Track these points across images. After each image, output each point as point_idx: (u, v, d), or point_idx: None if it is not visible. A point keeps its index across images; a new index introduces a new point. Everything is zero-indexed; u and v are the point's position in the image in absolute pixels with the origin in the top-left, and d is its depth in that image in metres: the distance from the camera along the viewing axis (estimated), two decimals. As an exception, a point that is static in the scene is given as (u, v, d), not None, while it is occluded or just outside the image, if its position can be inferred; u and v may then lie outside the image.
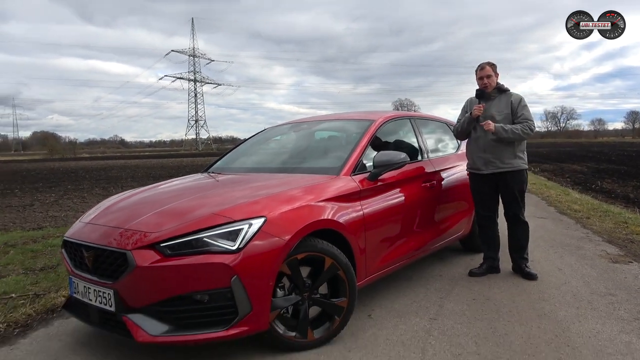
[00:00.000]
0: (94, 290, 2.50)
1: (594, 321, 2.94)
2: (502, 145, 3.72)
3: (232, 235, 2.37)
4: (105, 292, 2.43)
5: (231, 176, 3.54)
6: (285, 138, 4.27)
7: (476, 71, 3.86)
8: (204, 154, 60.12)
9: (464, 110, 4.02)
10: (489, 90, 3.79)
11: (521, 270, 3.85)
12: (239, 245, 2.35)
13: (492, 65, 3.81)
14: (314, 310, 2.72)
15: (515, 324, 2.92)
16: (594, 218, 6.36)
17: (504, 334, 2.80)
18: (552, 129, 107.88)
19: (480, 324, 2.96)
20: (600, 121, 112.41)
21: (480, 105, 3.75)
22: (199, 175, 3.79)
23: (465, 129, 3.90)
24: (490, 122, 3.67)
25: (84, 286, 2.57)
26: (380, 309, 3.27)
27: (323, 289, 2.75)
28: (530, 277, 3.77)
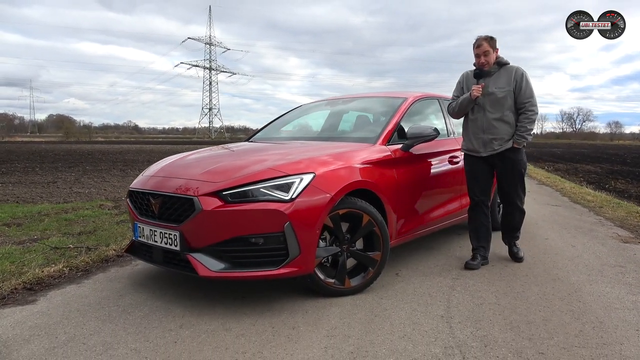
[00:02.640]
0: (160, 232, 2.83)
1: (603, 285, 3.22)
2: (502, 124, 3.50)
3: (286, 187, 2.69)
4: (171, 234, 2.76)
5: (276, 143, 3.85)
6: (322, 112, 4.57)
7: (473, 46, 3.56)
8: (217, 142, 60.59)
9: (460, 85, 3.75)
10: (487, 68, 3.53)
11: (509, 248, 3.87)
12: (291, 195, 2.66)
13: (490, 40, 3.50)
14: (350, 263, 3.04)
15: (532, 285, 3.22)
16: (606, 208, 6.59)
17: (521, 291, 3.09)
18: (568, 130, 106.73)
19: (499, 283, 3.26)
20: (617, 124, 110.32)
21: (480, 84, 3.50)
22: (245, 143, 4.12)
23: (463, 109, 3.64)
24: (516, 144, 3.48)
25: (150, 229, 2.90)
26: (407, 269, 3.58)
27: (359, 243, 3.07)
28: (516, 258, 3.77)
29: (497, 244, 4.08)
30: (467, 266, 3.60)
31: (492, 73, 3.55)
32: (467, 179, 3.78)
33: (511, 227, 3.82)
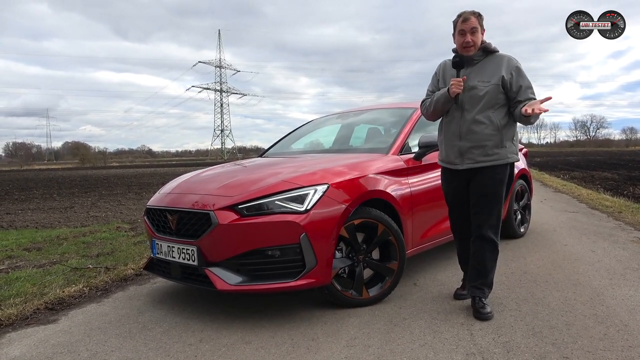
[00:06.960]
0: (178, 248, 2.87)
1: (626, 288, 3.16)
2: (484, 128, 2.65)
3: (301, 199, 2.72)
4: (188, 249, 2.80)
5: (288, 157, 3.90)
6: (334, 126, 4.62)
7: (455, 23, 2.72)
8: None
9: (435, 78, 2.91)
10: (473, 52, 2.71)
11: (473, 303, 2.77)
12: (306, 207, 2.69)
13: (479, 17, 2.69)
14: (367, 273, 3.03)
15: (553, 290, 3.17)
16: (625, 212, 6.47)
17: (542, 297, 3.05)
18: (582, 138, 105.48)
19: (519, 290, 3.21)
20: (632, 130, 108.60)
21: (461, 78, 2.63)
22: (258, 158, 4.17)
23: (438, 109, 2.78)
24: (537, 105, 2.45)
25: (168, 246, 2.94)
26: (425, 279, 3.55)
27: (375, 254, 3.07)
28: (481, 315, 2.66)
29: (514, 251, 4.03)
30: (457, 296, 3.03)
31: (475, 62, 2.73)
32: (445, 197, 3.02)
33: (477, 270, 2.80)
